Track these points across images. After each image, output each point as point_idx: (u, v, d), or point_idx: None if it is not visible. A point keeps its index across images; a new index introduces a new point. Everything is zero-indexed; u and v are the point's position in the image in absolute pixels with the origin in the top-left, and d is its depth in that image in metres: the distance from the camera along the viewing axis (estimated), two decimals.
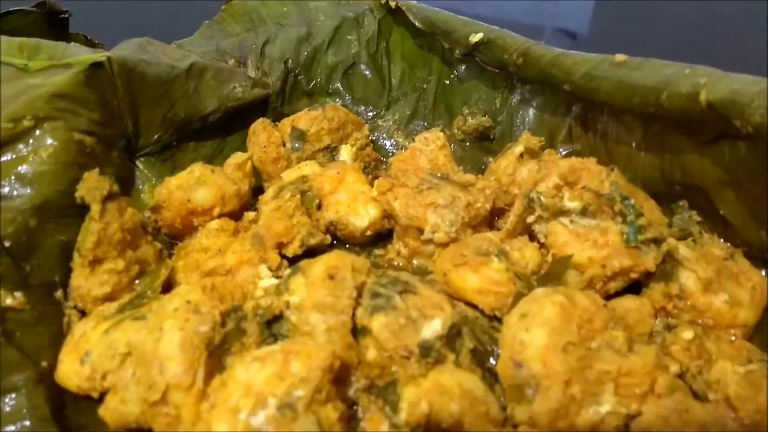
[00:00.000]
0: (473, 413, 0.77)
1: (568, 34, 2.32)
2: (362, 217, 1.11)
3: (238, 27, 1.55)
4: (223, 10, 1.58)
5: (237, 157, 1.19)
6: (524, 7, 2.39)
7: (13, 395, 0.82)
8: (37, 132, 0.98)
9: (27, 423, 0.81)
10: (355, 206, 1.12)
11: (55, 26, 1.40)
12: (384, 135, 1.46)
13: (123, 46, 1.21)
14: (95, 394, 0.85)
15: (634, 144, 1.14)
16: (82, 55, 1.09)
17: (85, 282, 0.94)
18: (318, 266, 0.91)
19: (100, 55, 1.07)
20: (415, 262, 1.12)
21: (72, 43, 1.18)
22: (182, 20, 1.65)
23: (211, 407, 0.77)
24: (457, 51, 1.37)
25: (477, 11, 2.12)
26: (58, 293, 0.95)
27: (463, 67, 1.42)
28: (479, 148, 1.38)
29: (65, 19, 1.40)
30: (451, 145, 1.35)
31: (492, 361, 0.88)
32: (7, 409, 0.80)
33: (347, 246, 1.16)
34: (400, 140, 1.45)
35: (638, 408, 0.79)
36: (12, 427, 0.79)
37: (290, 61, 1.46)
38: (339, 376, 0.84)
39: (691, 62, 1.00)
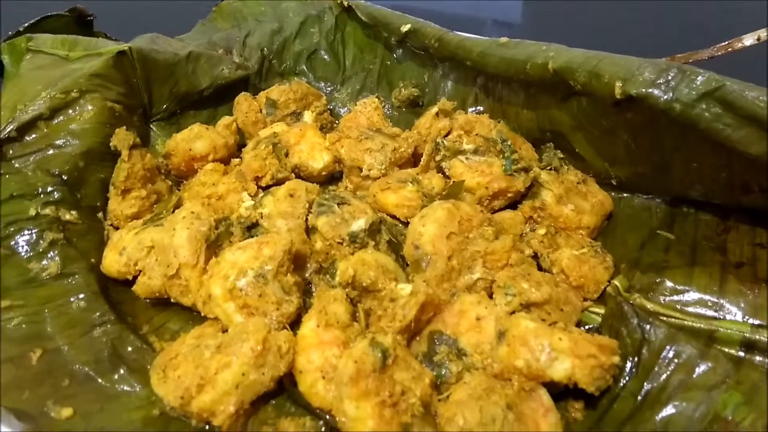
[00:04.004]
0: (385, 277, 1.07)
1: (504, 25, 2.59)
2: (318, 161, 1.36)
3: (225, 24, 1.80)
4: (213, 10, 1.84)
5: (225, 120, 1.45)
6: (466, 2, 2.64)
7: (76, 277, 1.11)
8: (81, 101, 1.27)
9: (83, 296, 1.10)
10: (313, 153, 1.37)
11: (82, 26, 1.65)
12: (339, 104, 1.71)
13: (137, 40, 1.48)
14: (129, 277, 1.14)
15: (519, 104, 1.41)
16: (110, 46, 1.38)
17: (118, 206, 1.24)
18: (282, 188, 1.22)
19: (123, 46, 1.36)
20: (358, 194, 1.35)
21: (100, 38, 1.48)
22: (181, 19, 1.88)
23: (210, 277, 1.06)
24: (393, 38, 1.64)
25: (427, 8, 2.41)
26: (100, 214, 1.25)
27: (400, 51, 1.69)
28: (412, 112, 1.64)
29: (90, 21, 1.67)
30: (390, 110, 1.65)
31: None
32: (73, 283, 1.11)
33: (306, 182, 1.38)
34: (352, 108, 1.62)
35: (498, 275, 1.11)
36: (75, 297, 1.10)
37: (266, 49, 1.70)
38: (297, 262, 1.14)
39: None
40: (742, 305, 1.01)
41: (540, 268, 1.17)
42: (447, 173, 1.29)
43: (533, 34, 2.46)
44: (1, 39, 1.53)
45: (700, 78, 0.98)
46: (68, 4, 1.66)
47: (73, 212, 1.19)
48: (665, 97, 1.00)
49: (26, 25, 1.57)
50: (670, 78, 1.01)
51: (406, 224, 1.21)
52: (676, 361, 0.96)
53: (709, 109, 0.96)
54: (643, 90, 1.03)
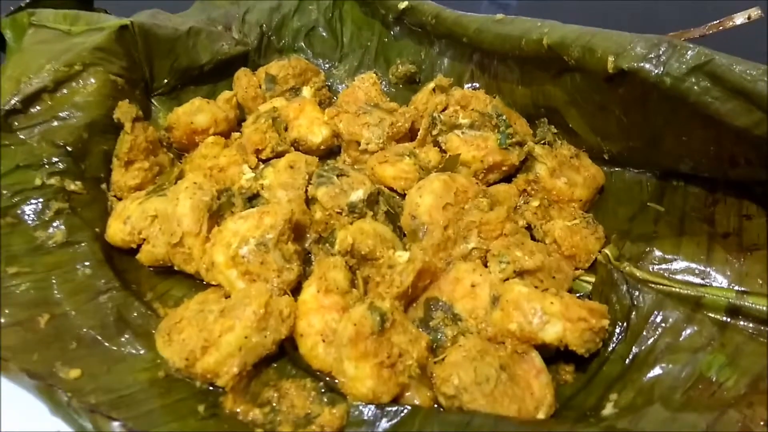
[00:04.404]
0: (382, 246, 1.10)
1: (501, 6, 2.60)
2: (317, 135, 1.37)
3: (224, 1, 1.78)
4: None
5: (225, 94, 1.46)
6: None
7: (82, 244, 1.14)
8: (84, 74, 1.29)
9: (88, 263, 1.12)
10: (312, 128, 1.38)
11: (83, 3, 1.64)
12: (338, 81, 1.72)
13: (139, 15, 1.50)
14: (134, 245, 1.17)
15: (514, 81, 1.43)
16: (112, 21, 1.40)
17: (121, 177, 1.26)
18: (282, 160, 1.25)
19: (125, 20, 1.38)
20: (356, 167, 1.36)
21: (101, 13, 1.49)
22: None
23: (212, 245, 1.09)
24: (390, 16, 1.66)
25: None
26: (103, 185, 1.27)
27: (397, 29, 1.70)
28: (409, 89, 1.65)
29: None
30: (386, 87, 1.66)
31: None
32: (78, 251, 1.13)
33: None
34: (350, 84, 1.64)
35: (493, 244, 1.14)
36: (80, 264, 1.12)
37: (264, 25, 1.71)
38: (297, 232, 1.16)
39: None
40: (728, 273, 1.05)
41: (533, 239, 1.20)
42: (443, 147, 1.31)
43: (529, 13, 2.48)
44: (1, 14, 1.54)
45: (690, 52, 1.00)
46: None
47: (78, 182, 1.21)
48: (656, 71, 1.03)
49: (28, 1, 1.58)
50: (661, 52, 1.03)
51: (403, 196, 1.24)
52: (663, 325, 1.00)
53: (699, 82, 0.99)
54: (635, 64, 1.06)
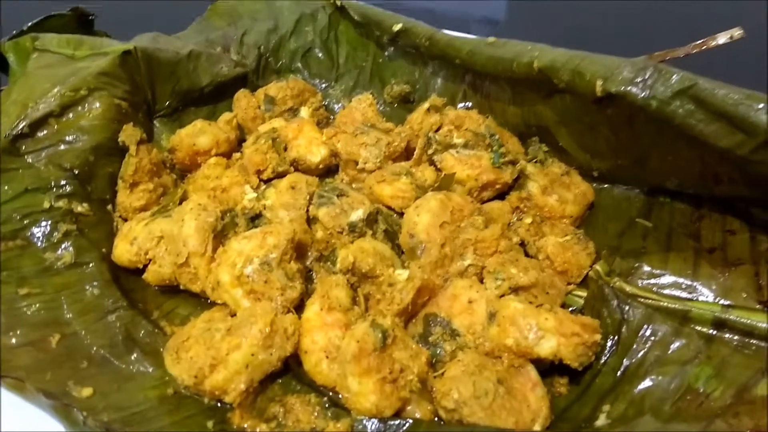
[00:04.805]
0: (382, 264, 1.14)
1: (490, 22, 2.65)
2: (316, 155, 1.41)
3: (221, 22, 1.81)
4: (209, 9, 1.86)
5: (226, 116, 1.49)
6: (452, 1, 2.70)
7: (90, 265, 1.17)
8: (89, 98, 1.32)
9: (96, 283, 1.16)
10: (311, 148, 1.41)
11: (83, 26, 1.68)
12: (334, 101, 1.76)
13: (139, 39, 1.52)
14: (140, 265, 1.20)
15: (506, 100, 1.47)
16: (115, 46, 1.43)
17: (126, 198, 1.29)
18: (284, 181, 1.28)
19: (128, 45, 1.41)
20: (354, 186, 1.40)
21: (104, 38, 1.52)
22: (177, 18, 1.89)
23: (218, 265, 1.11)
24: (385, 37, 1.69)
25: (415, 3, 2.47)
26: (109, 206, 1.30)
27: (392, 49, 1.73)
28: (403, 108, 1.69)
29: (91, 20, 1.70)
30: (381, 107, 1.70)
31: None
32: (87, 272, 1.16)
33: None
34: (346, 104, 1.69)
35: (488, 261, 1.18)
36: (89, 285, 1.15)
37: (262, 47, 1.74)
38: (299, 251, 1.19)
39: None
40: (714, 287, 1.09)
41: (527, 255, 1.24)
42: (439, 166, 1.34)
43: (518, 30, 2.53)
44: (2, 37, 1.57)
45: (674, 77, 1.04)
46: (67, 3, 1.69)
47: (85, 204, 1.24)
48: (643, 94, 1.07)
49: (29, 24, 1.61)
50: (647, 77, 1.08)
51: (401, 214, 1.27)
52: (652, 338, 1.04)
53: (683, 105, 1.03)
54: (622, 88, 1.10)
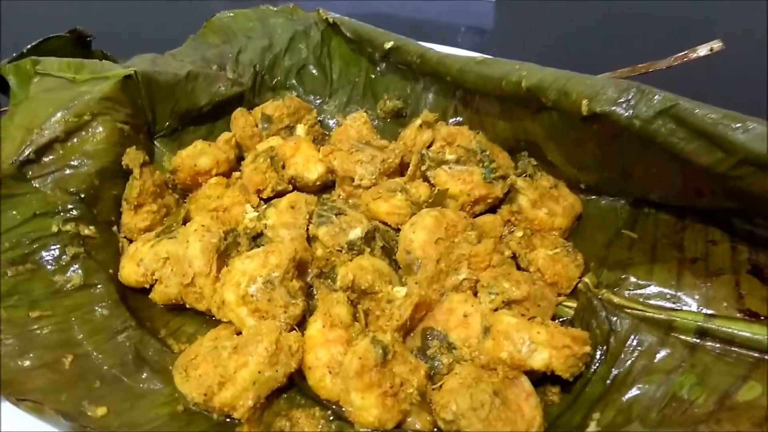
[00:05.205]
0: (381, 281, 1.18)
1: (477, 31, 2.69)
2: (313, 172, 1.46)
3: (216, 39, 1.84)
4: (204, 26, 1.88)
5: (225, 135, 1.53)
6: (441, 8, 2.70)
7: (98, 286, 1.21)
8: (93, 123, 1.35)
9: (105, 304, 1.20)
10: (308, 165, 1.46)
11: (82, 46, 1.71)
12: (328, 116, 1.80)
13: (139, 62, 1.56)
14: (147, 285, 1.23)
15: (495, 116, 1.50)
16: (115, 70, 1.46)
17: (131, 220, 1.33)
18: (284, 201, 1.32)
19: (129, 70, 1.44)
20: (350, 201, 1.45)
21: (104, 61, 1.55)
22: (172, 35, 1.92)
23: (222, 284, 1.15)
24: (377, 54, 1.73)
25: (403, 12, 2.51)
26: (114, 228, 1.34)
27: (384, 65, 1.77)
28: (396, 123, 1.73)
29: (89, 41, 1.73)
30: (375, 121, 1.73)
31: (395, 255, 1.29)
32: (95, 293, 1.20)
33: (304, 193, 1.47)
34: (340, 119, 1.75)
35: (482, 275, 1.22)
36: (98, 306, 1.19)
37: (258, 65, 1.77)
38: (300, 268, 1.23)
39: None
40: (697, 297, 1.13)
41: (518, 267, 1.29)
42: (432, 182, 1.39)
43: (506, 38, 2.58)
44: (2, 58, 1.60)
45: (656, 97, 1.09)
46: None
47: (91, 227, 1.28)
48: (626, 114, 1.12)
49: (29, 47, 1.64)
50: (630, 97, 1.12)
51: (397, 230, 1.31)
52: (639, 348, 1.09)
53: (665, 124, 1.07)
54: (607, 108, 1.14)
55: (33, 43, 1.65)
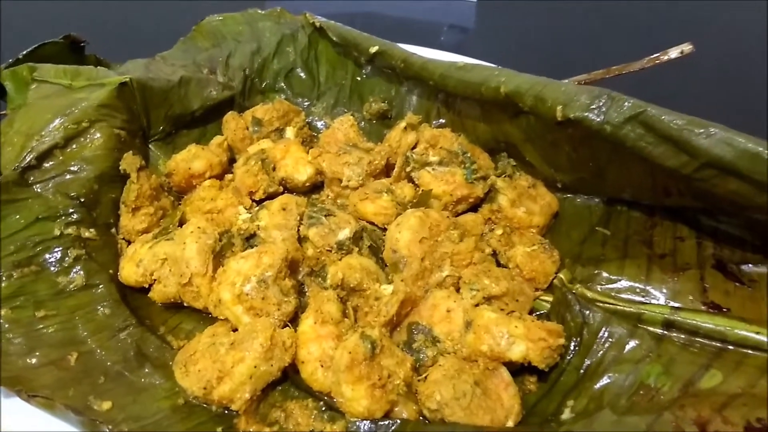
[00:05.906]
0: (369, 279, 1.24)
1: (460, 30, 2.73)
2: (302, 174, 1.51)
3: (206, 42, 1.89)
4: (194, 29, 1.93)
5: (217, 139, 1.58)
6: (424, 8, 2.74)
7: (100, 287, 1.26)
8: (91, 130, 1.39)
9: (107, 303, 1.25)
10: (297, 167, 1.51)
11: (76, 51, 1.76)
12: (316, 118, 1.84)
13: (133, 67, 1.61)
14: (146, 285, 1.28)
15: (476, 118, 1.56)
16: (111, 77, 1.50)
17: (129, 222, 1.38)
18: (275, 203, 1.37)
19: (124, 77, 1.49)
20: (338, 201, 1.51)
21: (100, 68, 1.60)
22: (163, 37, 1.97)
23: (218, 284, 1.20)
24: (362, 58, 1.78)
25: (387, 11, 2.55)
26: (113, 230, 1.38)
27: (369, 69, 1.82)
28: (381, 124, 1.79)
29: (83, 46, 1.78)
30: (361, 123, 1.78)
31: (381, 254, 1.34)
32: (97, 293, 1.25)
33: (294, 194, 1.51)
34: (328, 121, 1.80)
35: (464, 272, 1.29)
36: (100, 305, 1.24)
37: (247, 69, 1.82)
38: (292, 267, 1.28)
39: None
40: (664, 291, 1.20)
41: (498, 264, 1.35)
42: (416, 182, 1.44)
43: (487, 37, 2.63)
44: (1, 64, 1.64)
45: (626, 104, 1.14)
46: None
47: (92, 230, 1.32)
48: (598, 119, 1.17)
49: (24, 53, 1.68)
50: (601, 104, 1.18)
51: (384, 229, 1.37)
52: (610, 340, 1.16)
53: (634, 129, 1.13)
54: (580, 114, 1.19)
55: (28, 49, 1.70)
